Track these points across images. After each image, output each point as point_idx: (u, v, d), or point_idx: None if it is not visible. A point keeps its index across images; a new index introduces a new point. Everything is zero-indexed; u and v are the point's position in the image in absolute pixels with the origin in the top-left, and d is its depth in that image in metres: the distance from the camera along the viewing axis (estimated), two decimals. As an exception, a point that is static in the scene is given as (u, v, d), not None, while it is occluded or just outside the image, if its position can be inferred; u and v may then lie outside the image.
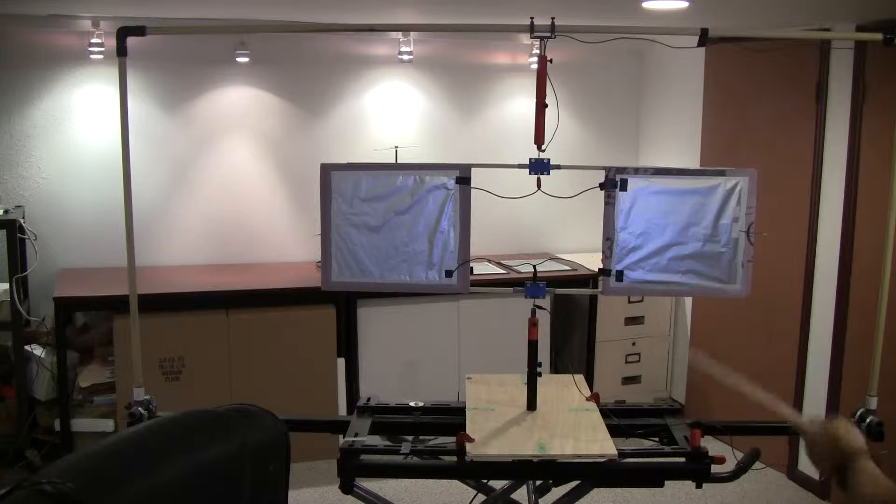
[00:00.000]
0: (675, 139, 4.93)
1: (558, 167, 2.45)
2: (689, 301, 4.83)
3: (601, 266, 2.58)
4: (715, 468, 2.26)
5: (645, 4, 3.10)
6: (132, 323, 2.52)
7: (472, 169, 2.52)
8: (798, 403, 4.00)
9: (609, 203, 2.52)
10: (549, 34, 2.37)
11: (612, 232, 2.53)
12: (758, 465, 2.41)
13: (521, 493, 2.58)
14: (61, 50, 4.24)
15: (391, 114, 4.81)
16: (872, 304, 2.70)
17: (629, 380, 4.83)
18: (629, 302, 4.72)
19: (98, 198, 4.34)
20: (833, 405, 3.78)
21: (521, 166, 2.46)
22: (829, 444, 1.67)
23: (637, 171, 2.53)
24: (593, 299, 4.66)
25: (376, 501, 2.43)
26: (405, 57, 4.54)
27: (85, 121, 4.33)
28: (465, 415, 2.44)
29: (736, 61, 4.27)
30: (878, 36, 2.49)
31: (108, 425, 3.94)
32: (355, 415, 2.57)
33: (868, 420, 2.50)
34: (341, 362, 4.24)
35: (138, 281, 2.55)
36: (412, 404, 2.61)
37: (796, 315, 3.96)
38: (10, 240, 3.86)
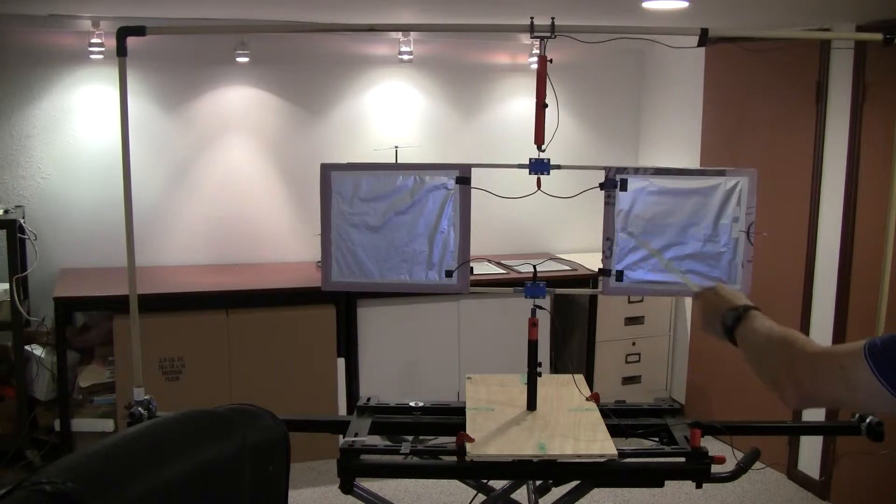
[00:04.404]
0: (675, 139, 4.93)
1: (558, 167, 2.45)
2: (689, 301, 4.83)
3: (601, 266, 2.58)
4: (715, 468, 2.26)
5: (645, 4, 3.10)
6: (132, 323, 2.52)
7: (472, 169, 2.52)
8: (798, 403, 4.00)
9: (609, 203, 2.52)
10: (549, 34, 2.37)
11: (612, 232, 2.53)
12: (758, 465, 2.41)
13: (521, 493, 2.58)
14: (61, 50, 4.24)
15: (391, 114, 4.81)
16: (872, 304, 2.70)
17: (629, 380, 4.83)
18: (629, 302, 4.72)
19: (98, 198, 4.34)
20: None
21: (521, 166, 2.46)
22: (720, 302, 1.71)
23: (637, 171, 2.53)
24: (593, 299, 4.66)
25: (376, 501, 2.43)
26: (405, 57, 4.54)
27: (85, 121, 4.33)
28: (465, 415, 2.44)
29: (736, 61, 4.27)
30: (878, 36, 2.49)
31: (108, 425, 3.94)
32: (355, 415, 2.57)
33: (868, 420, 2.50)
34: (341, 362, 4.24)
35: (138, 281, 2.55)
36: (412, 404, 2.61)
37: (796, 315, 3.96)
38: (10, 240, 3.86)
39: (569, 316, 4.89)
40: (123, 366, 3.75)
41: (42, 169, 4.31)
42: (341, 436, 2.42)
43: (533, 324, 2.45)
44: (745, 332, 1.60)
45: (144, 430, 1.42)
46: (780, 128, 4.06)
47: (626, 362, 4.81)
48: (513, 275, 4.44)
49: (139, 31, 2.38)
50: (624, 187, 2.50)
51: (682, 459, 2.29)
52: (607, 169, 2.52)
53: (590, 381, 4.29)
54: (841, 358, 1.33)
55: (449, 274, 2.54)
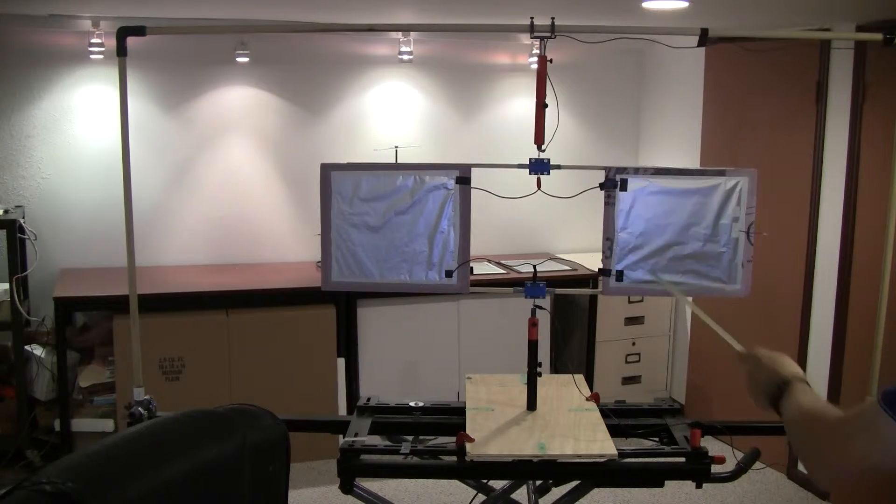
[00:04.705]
0: (675, 139, 4.93)
1: (558, 167, 2.45)
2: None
3: (601, 266, 2.58)
4: (715, 468, 2.26)
5: (645, 4, 3.10)
6: (132, 323, 2.52)
7: (472, 169, 2.52)
8: (798, 403, 3.99)
9: (609, 203, 2.52)
10: (549, 34, 2.37)
11: (612, 232, 2.53)
12: (758, 465, 2.41)
13: (521, 493, 2.58)
14: (61, 50, 4.24)
15: (391, 114, 4.81)
16: (872, 304, 2.70)
17: (629, 380, 4.83)
18: (629, 302, 4.72)
19: (98, 198, 4.34)
20: (833, 404, 3.78)
21: (521, 166, 2.46)
22: (760, 373, 1.69)
23: (637, 171, 2.53)
24: (593, 299, 4.66)
25: (376, 501, 2.43)
26: (405, 57, 4.54)
27: (85, 121, 4.33)
28: (465, 415, 2.44)
29: (736, 61, 4.27)
30: (878, 36, 2.49)
31: (108, 425, 3.94)
32: (355, 415, 2.57)
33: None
34: (341, 362, 4.24)
35: (138, 281, 2.55)
36: (412, 404, 2.61)
37: (796, 315, 3.96)
38: (10, 240, 3.86)
39: (569, 316, 4.89)
40: (123, 366, 3.75)
41: (42, 169, 4.31)
42: (341, 436, 2.42)
43: (533, 324, 2.45)
44: (785, 408, 1.59)
45: (144, 430, 1.43)
46: (780, 128, 4.06)
47: (626, 362, 4.80)
48: (513, 275, 4.44)
49: (139, 31, 2.38)
50: (624, 187, 2.51)
51: (682, 459, 2.29)
52: (607, 169, 2.52)
53: (590, 381, 4.29)
54: (858, 417, 1.38)
55: (449, 274, 2.54)
